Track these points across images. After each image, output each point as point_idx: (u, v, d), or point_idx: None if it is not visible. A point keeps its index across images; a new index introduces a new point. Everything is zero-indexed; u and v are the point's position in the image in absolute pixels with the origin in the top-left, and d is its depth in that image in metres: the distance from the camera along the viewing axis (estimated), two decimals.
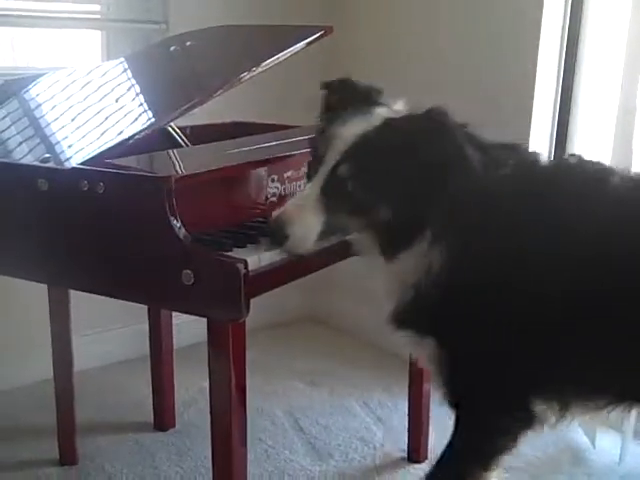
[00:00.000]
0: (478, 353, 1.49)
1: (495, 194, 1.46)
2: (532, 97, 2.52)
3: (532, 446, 2.44)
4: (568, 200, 1.47)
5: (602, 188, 1.49)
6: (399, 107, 1.56)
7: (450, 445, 1.62)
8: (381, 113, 1.51)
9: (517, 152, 1.55)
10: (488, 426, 1.57)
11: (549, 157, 1.59)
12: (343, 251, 1.73)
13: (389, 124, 1.47)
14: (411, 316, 1.54)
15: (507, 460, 1.89)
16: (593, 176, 1.53)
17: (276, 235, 1.41)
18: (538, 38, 2.49)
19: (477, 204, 1.45)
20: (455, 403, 1.58)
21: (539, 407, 1.54)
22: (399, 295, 1.55)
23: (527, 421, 1.55)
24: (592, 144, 2.49)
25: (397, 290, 1.55)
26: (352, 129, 1.46)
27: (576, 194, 1.49)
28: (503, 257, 1.45)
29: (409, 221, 1.46)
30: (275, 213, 1.42)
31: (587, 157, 1.59)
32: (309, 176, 1.51)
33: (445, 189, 1.43)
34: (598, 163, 1.58)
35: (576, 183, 1.51)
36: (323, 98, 1.62)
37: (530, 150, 1.58)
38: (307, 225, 1.42)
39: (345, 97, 1.58)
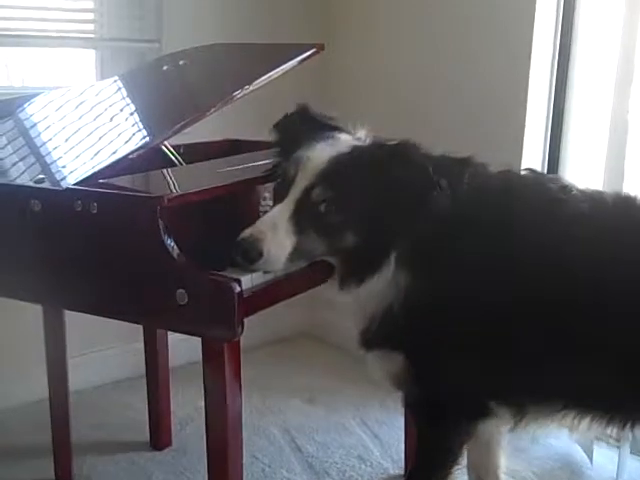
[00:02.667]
0: (441, 363, 1.58)
1: (455, 215, 1.53)
2: (524, 116, 2.52)
3: (529, 462, 2.44)
4: (519, 217, 1.55)
5: (557, 203, 1.57)
6: (361, 134, 1.65)
7: (416, 453, 1.75)
8: (346, 139, 1.59)
9: (469, 165, 1.59)
10: (449, 426, 1.67)
11: (497, 171, 1.65)
12: None
13: (359, 150, 1.55)
14: (378, 336, 1.62)
15: (504, 478, 1.92)
16: (547, 190, 1.60)
17: (249, 253, 1.44)
18: (529, 56, 2.50)
19: (440, 225, 1.52)
20: (417, 410, 1.71)
21: (497, 410, 1.64)
22: (366, 318, 1.63)
23: (483, 421, 1.67)
24: (584, 163, 2.50)
25: (364, 313, 1.63)
26: (322, 153, 1.52)
27: (530, 209, 1.57)
28: (460, 277, 1.53)
29: (377, 245, 1.53)
30: (246, 231, 1.45)
31: (540, 170, 1.67)
32: (276, 198, 1.56)
33: (412, 215, 1.50)
34: (552, 177, 1.67)
35: (530, 198, 1.59)
36: (281, 125, 1.73)
37: (480, 163, 1.62)
38: (280, 244, 1.46)
39: (302, 123, 1.67)
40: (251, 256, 1.44)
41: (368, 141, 1.62)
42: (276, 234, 1.45)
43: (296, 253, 1.48)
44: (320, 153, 1.52)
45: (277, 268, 1.48)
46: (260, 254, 1.43)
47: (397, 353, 1.61)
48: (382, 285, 1.55)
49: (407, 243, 1.53)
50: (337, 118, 1.70)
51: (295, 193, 1.49)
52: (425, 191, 1.47)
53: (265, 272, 1.52)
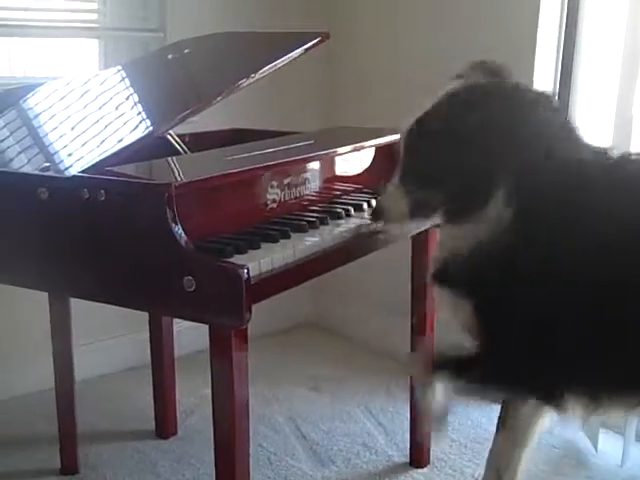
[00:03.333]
0: (524, 323, 1.48)
1: (568, 172, 1.47)
2: None
3: (534, 449, 2.44)
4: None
5: None
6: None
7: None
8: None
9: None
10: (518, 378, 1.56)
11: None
12: (346, 255, 1.75)
13: (438, 104, 1.55)
14: (457, 272, 1.58)
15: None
16: None
17: (378, 214, 1.64)
18: (534, 49, 2.49)
19: (549, 177, 1.47)
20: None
21: (567, 399, 1.53)
22: (455, 250, 1.57)
23: (551, 402, 1.56)
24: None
25: (456, 245, 1.57)
26: (407, 121, 1.57)
27: None
28: (567, 236, 1.44)
29: (479, 186, 1.50)
30: (379, 197, 1.66)
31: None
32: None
33: (512, 152, 1.47)
34: None
35: None
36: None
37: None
38: (396, 208, 1.58)
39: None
40: (379, 216, 1.63)
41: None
42: (391, 200, 1.59)
43: (414, 209, 1.57)
44: (408, 119, 1.57)
45: (403, 222, 1.62)
46: (384, 216, 1.62)
47: (468, 298, 1.55)
48: (486, 222, 1.50)
49: (515, 184, 1.47)
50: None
51: (401, 160, 1.59)
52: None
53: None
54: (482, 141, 1.47)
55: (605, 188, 1.47)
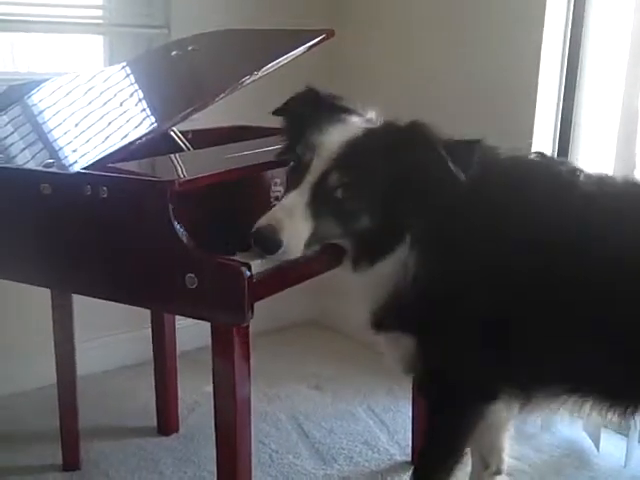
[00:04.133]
0: (450, 346, 1.59)
1: (467, 197, 1.52)
2: (534, 103, 2.51)
3: (536, 449, 2.44)
4: (530, 199, 1.55)
5: (567, 185, 1.57)
6: (371, 116, 1.64)
7: (426, 436, 1.77)
8: (358, 122, 1.58)
9: (480, 149, 1.58)
10: (459, 409, 1.68)
11: (508, 154, 1.64)
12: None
13: (373, 133, 1.55)
14: (389, 318, 1.63)
15: (511, 463, 1.93)
16: (558, 173, 1.61)
17: (268, 243, 1.43)
18: (540, 46, 2.48)
19: (452, 207, 1.52)
20: (427, 393, 1.72)
21: (505, 394, 1.65)
22: (377, 299, 1.63)
23: (493, 404, 1.67)
24: (595, 148, 2.49)
25: (375, 294, 1.63)
26: (336, 137, 1.51)
27: (541, 191, 1.57)
28: (470, 259, 1.53)
29: (392, 228, 1.53)
30: (263, 220, 1.44)
31: (549, 154, 1.68)
32: (289, 183, 1.55)
33: (426, 197, 1.51)
34: (559, 160, 1.68)
35: (540, 180, 1.59)
36: (288, 107, 1.72)
37: (490, 146, 1.62)
38: (298, 232, 1.45)
39: (310, 105, 1.66)
40: (270, 247, 1.43)
41: (379, 123, 1.61)
42: (294, 222, 1.44)
43: (313, 239, 1.48)
44: (335, 137, 1.51)
45: (294, 256, 1.47)
46: (279, 244, 1.42)
47: (407, 335, 1.62)
48: (395, 266, 1.55)
49: (420, 225, 1.53)
50: (345, 99, 1.69)
51: (311, 179, 1.48)
52: (438, 173, 1.47)
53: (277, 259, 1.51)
54: (412, 180, 1.50)
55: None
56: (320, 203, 1.47)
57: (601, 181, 1.60)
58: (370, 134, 1.54)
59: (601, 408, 1.62)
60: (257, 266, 1.46)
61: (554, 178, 1.59)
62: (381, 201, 1.50)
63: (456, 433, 1.71)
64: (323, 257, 1.62)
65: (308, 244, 1.48)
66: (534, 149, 2.41)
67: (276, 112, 1.72)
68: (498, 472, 1.95)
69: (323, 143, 1.51)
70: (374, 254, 1.55)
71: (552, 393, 1.64)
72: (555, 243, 1.51)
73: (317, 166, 1.49)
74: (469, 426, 1.70)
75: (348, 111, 1.63)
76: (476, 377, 1.62)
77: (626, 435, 2.40)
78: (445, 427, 1.71)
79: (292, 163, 1.58)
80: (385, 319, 1.65)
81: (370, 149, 1.51)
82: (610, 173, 2.23)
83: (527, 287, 1.51)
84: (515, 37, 2.56)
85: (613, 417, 1.63)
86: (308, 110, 1.63)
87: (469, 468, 1.99)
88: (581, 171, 1.61)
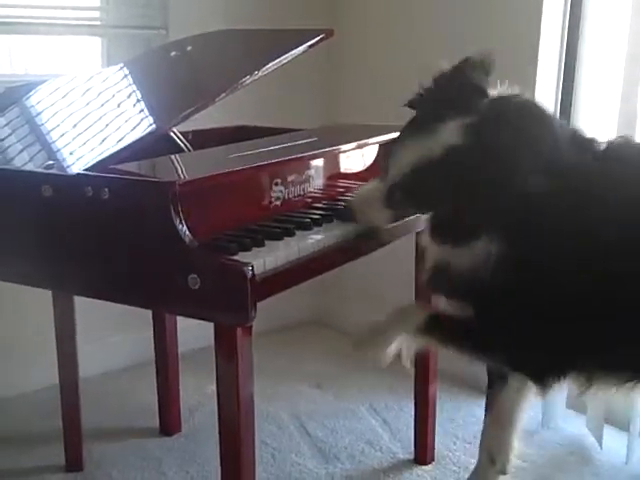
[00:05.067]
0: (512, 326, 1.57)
1: (549, 196, 1.49)
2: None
3: (539, 446, 2.44)
4: (617, 195, 1.50)
5: None
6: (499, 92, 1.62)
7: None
8: (447, 133, 1.52)
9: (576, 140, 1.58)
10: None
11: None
12: (350, 253, 1.74)
13: (449, 155, 1.51)
14: (453, 287, 1.64)
15: (514, 459, 1.93)
16: None
17: (347, 215, 1.70)
18: (538, 40, 2.49)
19: (535, 205, 1.49)
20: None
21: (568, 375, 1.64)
22: (447, 268, 1.62)
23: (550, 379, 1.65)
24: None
25: (447, 263, 1.62)
26: (411, 155, 1.55)
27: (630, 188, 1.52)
28: (548, 256, 1.51)
29: (464, 227, 1.55)
30: (351, 198, 1.72)
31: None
32: (382, 169, 1.65)
33: (496, 204, 1.50)
34: None
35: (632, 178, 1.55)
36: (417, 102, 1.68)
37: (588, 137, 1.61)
38: (371, 214, 1.66)
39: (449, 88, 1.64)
40: (348, 218, 1.69)
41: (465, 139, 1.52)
42: (369, 206, 1.65)
43: (393, 216, 1.66)
44: (409, 155, 1.55)
45: (372, 226, 1.70)
46: (354, 219, 1.68)
47: (468, 305, 1.62)
48: (469, 254, 1.55)
49: (498, 220, 1.52)
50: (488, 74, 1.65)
51: (389, 180, 1.59)
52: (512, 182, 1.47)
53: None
54: (483, 176, 1.48)
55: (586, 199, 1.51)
56: (392, 202, 1.61)
57: None
58: (447, 156, 1.51)
59: None
60: (260, 266, 1.46)
61: None
62: (449, 213, 1.57)
63: (494, 358, 1.71)
64: (325, 256, 1.63)
65: (385, 222, 1.68)
66: None
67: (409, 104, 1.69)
68: (503, 471, 1.93)
69: (397, 155, 1.58)
70: (451, 239, 1.59)
71: (617, 379, 1.62)
72: (632, 236, 1.48)
73: (390, 176, 1.60)
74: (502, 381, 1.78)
75: (481, 92, 1.59)
76: (534, 356, 1.61)
77: (628, 431, 2.40)
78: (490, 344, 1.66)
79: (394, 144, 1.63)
80: (450, 286, 1.65)
81: (436, 177, 1.53)
82: None
83: (601, 282, 1.49)
84: (514, 35, 2.56)
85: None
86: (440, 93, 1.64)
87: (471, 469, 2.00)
88: None
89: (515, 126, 1.51)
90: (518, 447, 1.92)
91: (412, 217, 1.76)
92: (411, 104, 1.67)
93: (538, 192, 1.46)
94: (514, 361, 1.67)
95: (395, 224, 1.72)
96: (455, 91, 1.60)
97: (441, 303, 1.74)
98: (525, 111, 1.57)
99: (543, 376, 1.65)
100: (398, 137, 1.63)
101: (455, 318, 1.67)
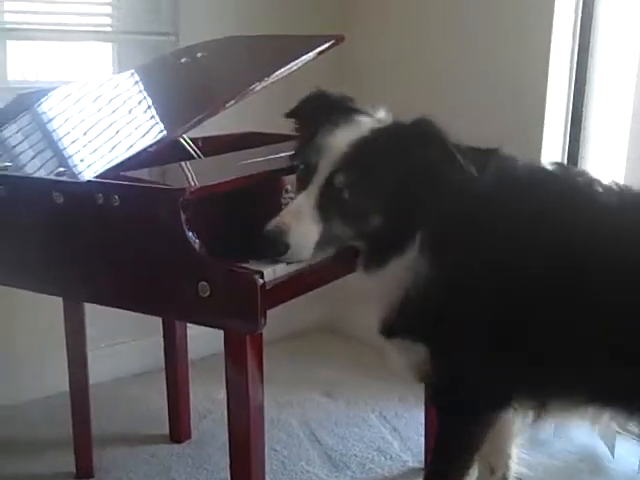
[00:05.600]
0: (461, 355, 1.58)
1: (481, 201, 1.51)
2: (543, 109, 2.50)
3: (550, 455, 2.43)
4: (547, 208, 1.53)
5: (585, 196, 1.56)
6: (381, 115, 1.62)
7: (436, 443, 1.75)
8: (366, 122, 1.56)
9: (496, 157, 1.58)
10: (470, 417, 1.67)
11: (525, 163, 1.63)
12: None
13: (379, 132, 1.53)
14: (399, 324, 1.61)
15: (524, 471, 1.92)
16: (575, 183, 1.59)
17: (276, 245, 1.43)
18: (549, 49, 2.48)
19: (465, 211, 1.51)
20: (438, 401, 1.71)
21: (518, 402, 1.65)
22: (388, 303, 1.60)
23: (505, 412, 1.68)
24: (605, 155, 2.48)
25: (386, 298, 1.60)
26: (342, 138, 1.50)
27: (558, 201, 1.55)
28: (489, 263, 1.51)
29: (401, 227, 1.51)
30: (272, 223, 1.45)
31: (568, 165, 1.66)
32: (299, 186, 1.55)
33: (436, 195, 1.49)
34: (579, 171, 1.66)
35: (558, 190, 1.57)
36: (298, 111, 1.71)
37: (507, 155, 1.61)
38: (306, 234, 1.45)
39: (321, 108, 1.64)
40: (278, 248, 1.43)
41: (388, 122, 1.59)
42: (301, 224, 1.44)
43: (322, 241, 1.47)
44: (341, 138, 1.50)
45: (305, 258, 1.47)
46: (287, 246, 1.42)
47: (418, 343, 1.60)
48: (404, 270, 1.53)
49: (430, 227, 1.51)
50: (355, 100, 1.67)
51: (318, 181, 1.48)
52: (446, 168, 1.45)
53: (289, 263, 1.51)
54: (420, 180, 1.48)
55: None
56: (327, 204, 1.47)
57: (620, 194, 1.57)
58: (377, 133, 1.52)
59: (620, 417, 1.61)
60: (270, 274, 1.46)
61: (571, 187, 1.58)
62: (388, 201, 1.48)
63: (467, 441, 1.70)
64: (335, 264, 1.62)
65: (318, 247, 1.47)
66: (545, 153, 2.42)
67: (288, 115, 1.72)
68: (504, 479, 1.93)
69: (329, 144, 1.50)
70: (383, 255, 1.52)
71: (569, 402, 1.63)
72: (573, 254, 1.49)
73: (323, 168, 1.48)
74: (481, 434, 1.69)
75: (358, 112, 1.61)
76: (489, 386, 1.60)
77: None
78: (457, 435, 1.69)
79: (302, 166, 1.57)
80: (396, 325, 1.62)
81: (376, 148, 1.50)
82: (621, 176, 2.25)
83: (542, 296, 1.50)
84: (525, 38, 2.55)
85: (633, 425, 1.62)
86: (318, 112, 1.62)
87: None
88: (599, 183, 1.59)
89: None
90: (526, 454, 1.93)
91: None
92: (293, 114, 1.70)
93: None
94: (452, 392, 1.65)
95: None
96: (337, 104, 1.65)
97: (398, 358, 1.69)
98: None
99: (479, 409, 1.65)
100: (302, 145, 1.63)
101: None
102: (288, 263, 1.51)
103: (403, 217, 1.50)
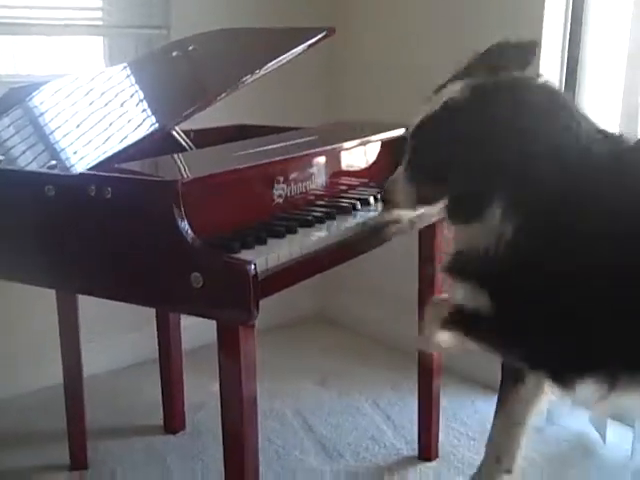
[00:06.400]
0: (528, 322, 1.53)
1: (594, 177, 1.47)
2: None
3: (543, 441, 2.45)
4: None
5: None
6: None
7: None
8: (446, 93, 1.59)
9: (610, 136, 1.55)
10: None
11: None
12: (352, 250, 1.75)
13: (448, 105, 1.55)
14: (469, 270, 1.61)
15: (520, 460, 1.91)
16: None
17: (385, 201, 1.72)
18: (540, 41, 2.48)
19: (553, 179, 1.46)
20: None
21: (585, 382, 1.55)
22: (464, 248, 1.60)
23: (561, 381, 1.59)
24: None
25: (464, 244, 1.60)
26: (418, 116, 1.61)
27: None
28: (573, 238, 1.45)
29: (479, 194, 1.51)
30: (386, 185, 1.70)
31: None
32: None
33: (526, 163, 1.46)
34: None
35: None
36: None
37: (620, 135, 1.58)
38: (401, 195, 1.66)
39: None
40: (386, 204, 1.72)
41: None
42: (396, 186, 1.66)
43: (417, 199, 1.65)
44: (416, 116, 1.61)
45: (408, 209, 1.71)
46: (390, 202, 1.69)
47: (483, 292, 1.57)
48: (486, 230, 1.51)
49: (514, 196, 1.48)
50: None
51: (407, 152, 1.64)
52: (565, 134, 1.47)
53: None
54: (487, 145, 1.47)
55: (612, 182, 1.46)
56: (412, 172, 1.63)
57: None
58: (444, 107, 1.55)
59: None
60: (263, 263, 1.47)
61: None
62: (461, 166, 1.51)
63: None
64: (328, 253, 1.63)
65: (413, 203, 1.66)
66: None
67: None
68: (508, 471, 1.91)
69: (411, 124, 1.62)
70: (466, 214, 1.56)
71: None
72: None
73: (409, 134, 1.64)
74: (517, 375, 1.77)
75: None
76: (548, 357, 1.56)
77: (632, 426, 2.41)
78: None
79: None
80: (465, 269, 1.62)
81: (437, 123, 1.56)
82: None
83: (626, 277, 1.42)
84: (514, 35, 2.55)
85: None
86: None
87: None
88: None
89: (531, 99, 1.50)
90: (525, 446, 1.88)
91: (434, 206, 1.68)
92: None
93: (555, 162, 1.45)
94: (532, 359, 1.60)
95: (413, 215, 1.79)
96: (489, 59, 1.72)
97: (458, 293, 1.68)
98: (547, 91, 1.56)
99: (563, 376, 1.57)
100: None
101: (472, 310, 1.62)
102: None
103: (481, 182, 1.50)
